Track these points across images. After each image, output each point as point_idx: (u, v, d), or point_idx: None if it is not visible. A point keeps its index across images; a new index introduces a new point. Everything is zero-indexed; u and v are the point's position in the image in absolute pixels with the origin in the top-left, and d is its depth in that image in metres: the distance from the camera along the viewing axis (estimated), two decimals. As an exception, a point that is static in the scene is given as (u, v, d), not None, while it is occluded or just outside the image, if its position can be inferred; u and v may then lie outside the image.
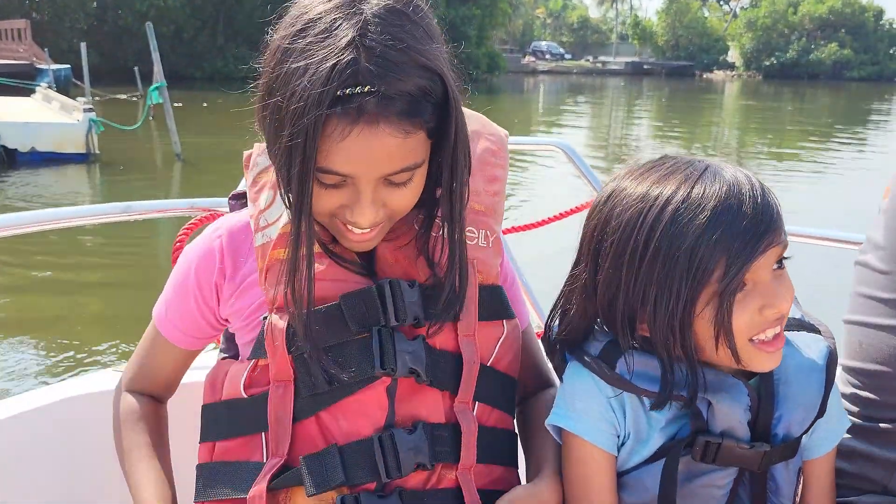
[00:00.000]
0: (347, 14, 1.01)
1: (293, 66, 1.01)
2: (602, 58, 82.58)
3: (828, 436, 1.16)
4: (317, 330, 1.12)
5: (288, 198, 1.08)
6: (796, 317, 1.16)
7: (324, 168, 1.03)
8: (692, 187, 1.01)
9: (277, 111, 1.03)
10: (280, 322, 1.15)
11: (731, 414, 1.06)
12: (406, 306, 1.14)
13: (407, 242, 1.19)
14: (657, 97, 46.44)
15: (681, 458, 1.07)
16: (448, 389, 1.17)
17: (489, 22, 48.20)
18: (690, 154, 1.10)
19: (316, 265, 1.13)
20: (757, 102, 44.60)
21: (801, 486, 1.16)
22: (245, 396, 1.19)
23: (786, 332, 1.09)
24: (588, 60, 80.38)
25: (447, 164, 1.10)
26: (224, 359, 1.35)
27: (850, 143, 22.00)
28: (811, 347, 1.12)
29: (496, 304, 1.23)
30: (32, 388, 4.28)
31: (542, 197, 10.38)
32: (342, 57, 0.98)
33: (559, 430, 1.15)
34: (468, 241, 1.19)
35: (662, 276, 1.00)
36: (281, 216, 1.20)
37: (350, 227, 1.10)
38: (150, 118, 16.71)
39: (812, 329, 1.15)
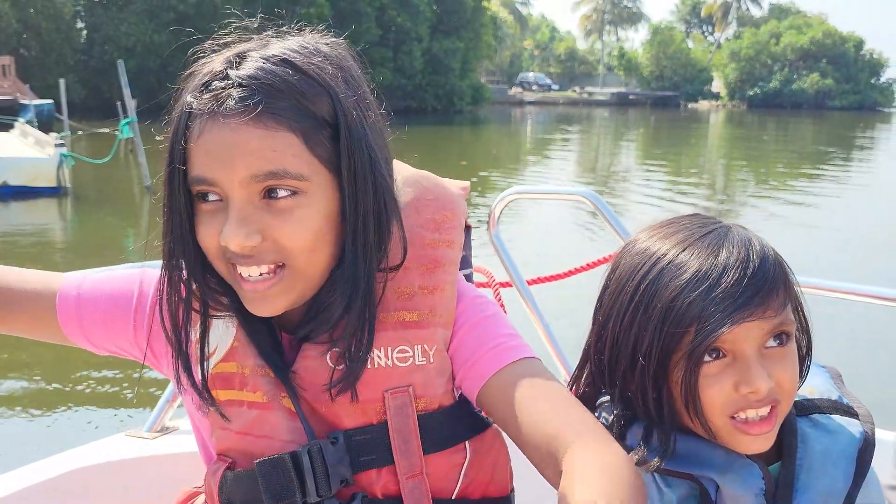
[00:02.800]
0: (260, 42, 1.03)
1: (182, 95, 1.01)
2: (589, 88, 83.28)
3: None
4: (240, 498, 1.08)
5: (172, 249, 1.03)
6: (832, 397, 1.09)
7: (192, 176, 0.98)
8: (686, 247, 0.99)
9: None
10: (217, 472, 1.12)
11: (741, 498, 1.00)
12: (330, 472, 1.05)
13: (326, 350, 1.08)
14: (644, 127, 46.81)
15: None
16: None
17: (473, 55, 48.64)
18: (713, 215, 1.07)
19: (243, 413, 1.08)
20: (742, 132, 44.99)
21: None
22: None
23: (817, 415, 1.06)
24: (575, 91, 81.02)
25: (349, 201, 1.01)
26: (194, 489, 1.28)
27: (836, 175, 22.16)
28: (843, 433, 1.05)
29: (450, 427, 1.11)
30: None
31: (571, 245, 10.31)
32: (216, 65, 0.99)
33: None
34: (400, 364, 1.08)
35: (640, 330, 0.99)
36: (215, 350, 1.12)
37: (239, 268, 1.00)
38: (130, 152, 17.04)
39: (849, 412, 1.07)
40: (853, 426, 1.05)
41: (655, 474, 1.01)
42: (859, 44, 74.96)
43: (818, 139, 39.02)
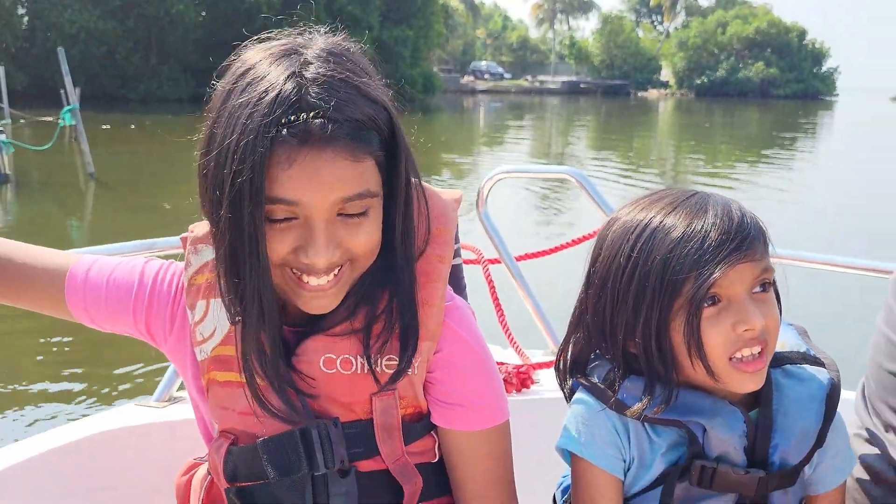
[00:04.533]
0: (288, 54, 1.04)
1: (235, 102, 1.01)
2: (541, 77, 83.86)
3: (833, 472, 1.17)
4: (246, 471, 1.16)
5: (229, 279, 1.06)
6: (801, 350, 1.19)
7: (272, 197, 1.00)
8: (672, 210, 1.09)
9: (220, 154, 1.01)
10: (221, 448, 1.18)
11: (726, 440, 1.09)
12: (334, 449, 1.13)
13: (342, 334, 1.14)
14: (595, 115, 47.34)
15: (680, 484, 1.11)
16: None
17: (424, 43, 48.50)
18: (686, 187, 1.17)
19: (243, 395, 1.13)
20: (691, 119, 45.81)
21: None
22: None
23: (789, 366, 1.16)
24: (527, 80, 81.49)
25: (399, 200, 1.09)
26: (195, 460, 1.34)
27: (779, 159, 22.75)
28: (813, 380, 1.15)
29: (427, 423, 1.20)
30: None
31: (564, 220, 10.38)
32: (285, 87, 1.00)
33: (569, 454, 1.18)
34: (388, 371, 1.14)
35: (640, 290, 1.07)
36: (214, 333, 1.18)
37: (305, 278, 1.06)
38: (73, 139, 16.77)
39: (816, 362, 1.18)
40: (821, 374, 1.15)
41: (645, 424, 1.11)
42: (802, 34, 76.81)
43: (764, 126, 39.97)
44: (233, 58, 1.08)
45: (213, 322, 1.17)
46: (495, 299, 2.35)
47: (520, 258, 2.39)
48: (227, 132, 1.01)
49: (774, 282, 1.10)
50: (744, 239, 1.04)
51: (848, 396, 1.30)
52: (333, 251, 1.04)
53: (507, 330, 2.28)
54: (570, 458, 1.18)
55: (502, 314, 2.32)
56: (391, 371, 1.14)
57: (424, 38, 48.37)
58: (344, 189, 1.01)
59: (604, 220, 2.27)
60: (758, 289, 1.07)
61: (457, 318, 1.20)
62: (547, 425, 1.27)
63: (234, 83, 1.04)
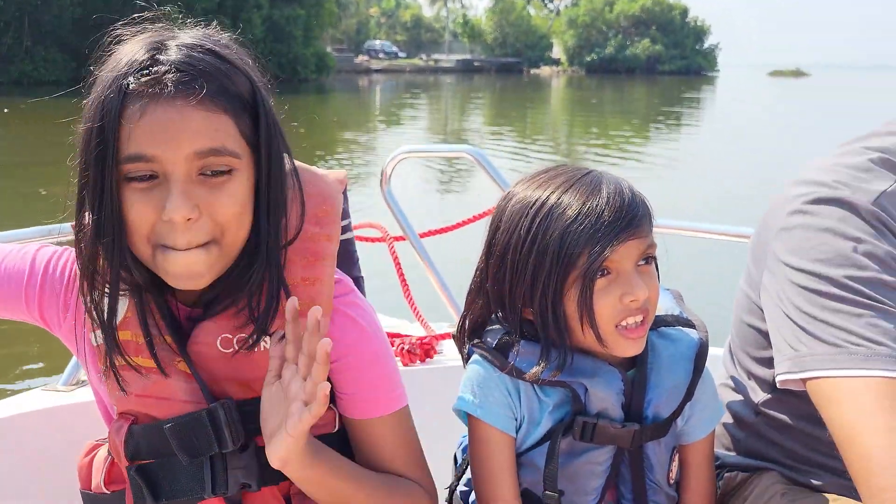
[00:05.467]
0: (156, 35, 1.08)
1: (101, 76, 1.05)
2: (435, 56, 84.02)
3: (702, 423, 1.27)
4: (147, 449, 1.18)
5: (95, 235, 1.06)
6: (675, 313, 1.29)
7: (129, 154, 1.02)
8: (568, 188, 1.16)
9: (84, 121, 1.05)
10: (122, 429, 1.20)
11: (605, 397, 1.19)
12: (238, 428, 1.15)
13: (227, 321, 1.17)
14: (490, 92, 47.87)
15: (565, 438, 1.20)
16: (285, 480, 1.19)
17: (316, 22, 47.68)
18: (579, 165, 1.24)
19: (140, 378, 1.16)
20: (582, 95, 46.97)
21: (675, 465, 1.27)
22: (107, 493, 1.26)
23: (663, 328, 1.25)
24: (421, 59, 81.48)
25: (263, 172, 1.10)
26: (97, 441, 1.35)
27: (666, 131, 23.68)
28: (683, 340, 1.25)
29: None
30: None
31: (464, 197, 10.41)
32: (142, 51, 1.04)
33: (465, 415, 1.25)
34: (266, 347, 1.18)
35: (538, 263, 1.14)
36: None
37: (171, 248, 1.06)
38: None
39: (688, 324, 1.27)
40: (692, 334, 1.25)
41: (534, 385, 1.21)
42: (684, 11, 79.74)
43: (651, 101, 41.42)
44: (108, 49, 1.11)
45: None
46: (401, 275, 2.42)
47: (424, 235, 2.47)
48: (89, 101, 1.05)
49: (657, 261, 1.20)
50: (633, 217, 1.13)
51: (717, 353, 1.43)
52: (193, 209, 1.03)
53: (413, 304, 2.37)
54: (467, 418, 1.26)
55: (408, 289, 2.40)
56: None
57: (316, 17, 47.52)
58: (197, 141, 1.03)
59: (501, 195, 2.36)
60: (642, 262, 1.16)
61: (356, 310, 1.23)
62: (448, 392, 1.33)
63: (101, 68, 1.07)
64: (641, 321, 1.16)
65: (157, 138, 1.02)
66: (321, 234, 1.22)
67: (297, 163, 1.19)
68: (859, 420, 0.98)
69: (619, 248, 1.12)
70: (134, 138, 1.01)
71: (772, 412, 1.29)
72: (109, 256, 1.08)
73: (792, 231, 1.13)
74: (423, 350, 2.12)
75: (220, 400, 1.16)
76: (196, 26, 1.14)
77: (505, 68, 77.16)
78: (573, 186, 1.15)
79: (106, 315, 1.14)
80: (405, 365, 2.08)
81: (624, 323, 1.15)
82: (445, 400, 1.38)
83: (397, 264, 2.42)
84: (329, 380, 1.16)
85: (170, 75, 1.02)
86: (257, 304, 1.15)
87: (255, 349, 1.17)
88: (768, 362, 1.21)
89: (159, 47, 1.05)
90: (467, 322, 1.27)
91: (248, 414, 1.16)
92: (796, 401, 1.18)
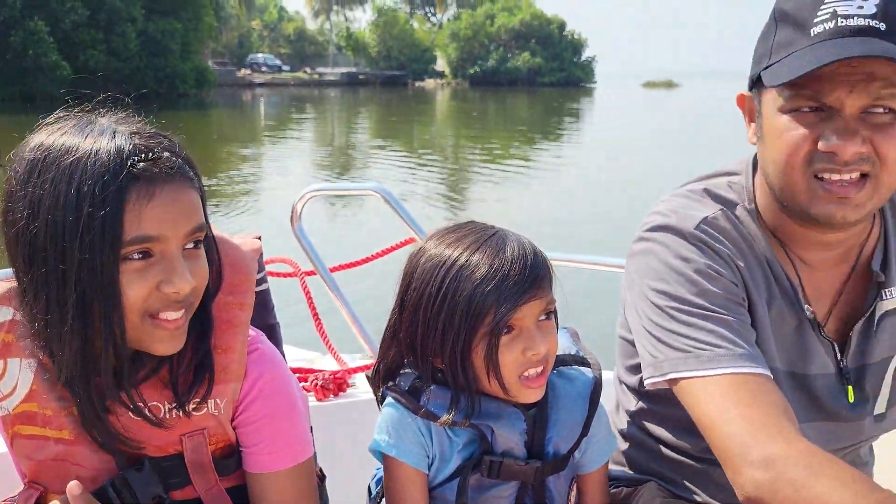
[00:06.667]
0: (83, 125, 1.10)
1: (60, 165, 1.05)
2: (319, 69, 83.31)
3: (597, 455, 1.37)
4: None
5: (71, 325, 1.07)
6: (571, 352, 1.38)
7: (133, 237, 1.05)
8: (476, 249, 1.24)
9: (56, 209, 1.04)
10: (30, 499, 1.23)
11: (510, 437, 1.28)
12: (138, 493, 1.20)
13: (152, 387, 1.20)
14: (375, 105, 47.92)
15: (473, 475, 1.29)
16: None
17: (194, 36, 46.42)
18: (486, 223, 1.34)
19: (52, 445, 1.19)
20: (466, 107, 47.70)
21: (574, 493, 1.37)
22: None
23: (562, 367, 1.34)
24: (306, 72, 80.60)
25: (214, 247, 1.19)
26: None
27: (548, 142, 24.43)
28: (580, 379, 1.34)
29: (238, 457, 1.29)
30: None
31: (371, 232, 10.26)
32: (112, 140, 1.07)
33: (381, 453, 1.33)
34: (196, 413, 1.22)
35: (448, 319, 1.22)
36: (14, 390, 1.21)
37: (164, 314, 1.10)
38: None
39: (584, 362, 1.37)
40: (587, 373, 1.36)
41: (445, 427, 1.29)
42: (562, 25, 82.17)
43: (533, 112, 42.58)
44: (21, 146, 1.12)
45: (13, 380, 1.21)
46: (313, 309, 2.52)
47: (334, 269, 2.58)
48: (60, 190, 1.04)
49: (556, 312, 1.29)
50: (535, 278, 1.23)
51: (608, 377, 1.59)
52: (191, 279, 1.10)
53: (326, 338, 2.46)
54: (382, 457, 1.34)
55: (320, 323, 2.50)
56: (198, 414, 1.22)
57: (194, 30, 46.22)
58: (194, 218, 1.11)
59: (407, 233, 2.48)
60: (543, 317, 1.25)
61: (262, 366, 1.27)
62: (362, 424, 1.39)
63: (40, 157, 1.07)
64: (541, 371, 1.26)
65: (163, 219, 1.07)
66: (234, 303, 1.26)
67: (214, 232, 1.24)
68: (716, 412, 1.14)
69: (523, 307, 1.21)
70: (141, 221, 1.05)
71: (646, 422, 1.46)
72: (106, 333, 1.09)
73: (638, 255, 1.32)
74: (337, 384, 2.20)
75: (137, 462, 1.22)
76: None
77: (390, 81, 77.44)
78: (481, 248, 1.24)
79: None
80: (319, 400, 2.15)
81: (526, 374, 1.24)
82: (359, 432, 1.45)
83: (309, 299, 2.52)
84: (235, 434, 1.26)
85: (165, 154, 1.08)
86: (178, 371, 1.19)
87: (176, 414, 1.21)
88: (636, 369, 1.37)
89: (113, 130, 1.09)
90: (381, 367, 1.36)
91: (166, 470, 1.23)
92: (663, 408, 1.34)
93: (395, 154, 21.33)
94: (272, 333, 1.51)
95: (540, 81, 77.53)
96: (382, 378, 1.36)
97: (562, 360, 1.36)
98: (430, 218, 12.06)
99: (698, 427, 1.18)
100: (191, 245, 1.13)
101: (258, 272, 1.43)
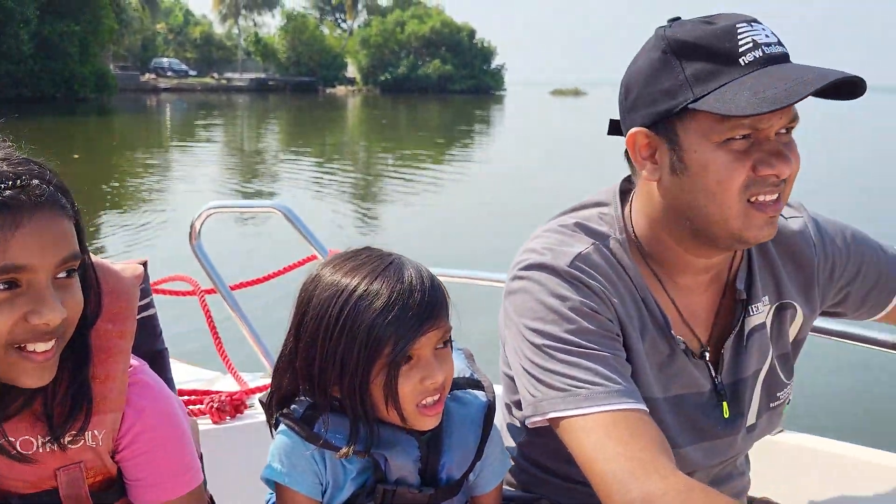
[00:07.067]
0: None
1: None
2: (228, 74, 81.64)
3: (490, 477, 1.38)
4: None
5: None
6: (466, 375, 1.37)
7: (2, 266, 1.02)
8: (375, 279, 1.22)
9: None
10: None
11: (403, 465, 1.28)
12: None
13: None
14: (286, 112, 47.34)
15: (367, 503, 1.28)
16: None
17: (94, 39, 44.79)
18: (383, 249, 1.32)
19: None
20: (378, 113, 47.65)
21: None
22: None
23: (456, 390, 1.33)
24: (213, 77, 78.86)
25: (88, 275, 1.15)
26: None
27: (458, 150, 24.65)
28: (473, 403, 1.34)
29: (119, 488, 1.27)
30: None
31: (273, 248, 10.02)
32: None
33: (273, 482, 1.31)
34: (72, 446, 1.19)
35: (347, 351, 1.20)
36: None
37: (32, 346, 1.07)
38: None
39: (478, 385, 1.36)
40: (480, 396, 1.35)
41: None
42: (472, 33, 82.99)
43: (444, 119, 42.87)
44: None
45: None
46: (212, 328, 2.50)
47: (235, 287, 2.56)
48: None
49: (451, 337, 1.29)
50: (433, 309, 1.23)
51: (499, 393, 1.61)
52: (62, 309, 1.06)
53: (226, 357, 2.44)
54: (275, 485, 1.32)
55: (220, 342, 2.48)
56: (74, 446, 1.18)
57: (94, 33, 44.56)
58: (65, 247, 1.07)
59: (310, 250, 2.47)
60: (440, 345, 1.25)
61: (148, 396, 1.25)
62: (258, 447, 1.38)
63: None
64: (438, 398, 1.26)
65: (30, 248, 1.04)
66: (114, 331, 1.24)
67: (93, 258, 1.22)
68: (594, 450, 1.16)
69: (422, 338, 1.21)
70: (7, 250, 1.02)
71: (534, 452, 1.49)
72: None
73: (515, 294, 1.33)
74: (234, 406, 2.18)
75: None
76: None
77: (300, 87, 76.54)
78: (379, 277, 1.23)
79: None
80: (215, 423, 2.12)
81: (424, 402, 1.25)
82: (255, 455, 1.44)
83: (209, 318, 2.50)
84: (117, 466, 1.23)
85: (34, 181, 1.05)
86: (53, 403, 1.15)
87: (50, 448, 1.17)
88: (520, 405, 1.38)
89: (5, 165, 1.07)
90: (275, 396, 1.34)
91: None
92: (550, 440, 1.34)
93: (305, 162, 21.13)
94: (159, 359, 1.49)
95: (451, 89, 78.11)
96: (276, 405, 1.35)
97: (456, 384, 1.35)
98: (342, 227, 12.03)
99: (578, 463, 1.20)
100: (63, 275, 1.09)
101: (143, 297, 1.40)
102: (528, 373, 1.27)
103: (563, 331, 1.24)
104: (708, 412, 1.37)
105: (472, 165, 20.52)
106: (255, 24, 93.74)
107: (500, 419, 1.59)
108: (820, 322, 1.82)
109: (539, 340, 1.26)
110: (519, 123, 42.11)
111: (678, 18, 1.27)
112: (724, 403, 1.38)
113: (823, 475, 1.87)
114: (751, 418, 1.42)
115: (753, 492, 1.64)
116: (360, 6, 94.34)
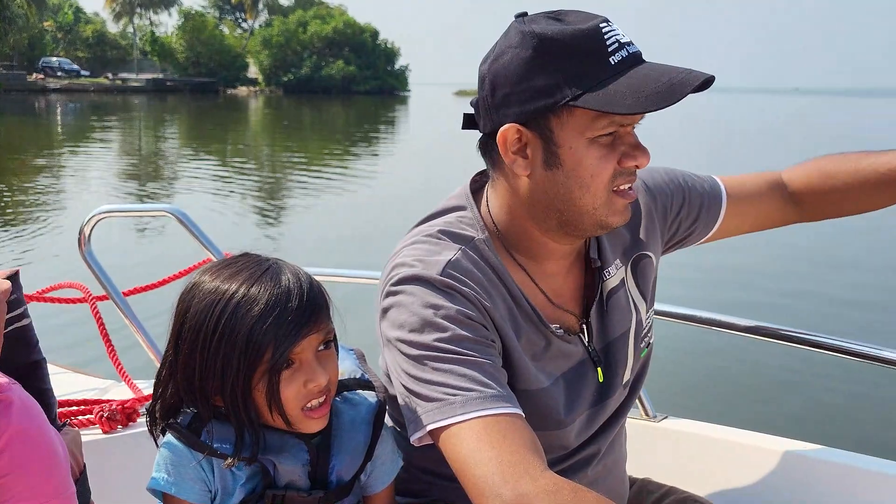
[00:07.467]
0: None
1: None
2: (123, 74, 78.92)
3: (382, 477, 1.38)
4: None
5: None
6: (356, 375, 1.37)
7: None
8: (252, 285, 1.20)
9: None
10: None
11: (292, 470, 1.27)
12: None
13: None
14: (185, 113, 46.09)
15: None
16: None
17: (-27, 37, 42.46)
18: (262, 255, 1.30)
19: None
20: (281, 115, 46.95)
21: None
22: None
23: (346, 392, 1.33)
24: (108, 77, 75.96)
25: None
26: None
27: (361, 150, 24.57)
28: (363, 404, 1.34)
29: None
30: None
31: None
32: None
33: (160, 493, 1.28)
34: None
35: (226, 357, 1.19)
36: None
37: None
38: None
39: (369, 385, 1.36)
40: (371, 396, 1.35)
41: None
42: (375, 34, 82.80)
43: (349, 120, 42.64)
44: None
45: None
46: (104, 335, 2.43)
47: (128, 293, 2.50)
48: None
49: (335, 336, 1.29)
50: (313, 312, 1.22)
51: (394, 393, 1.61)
52: None
53: (119, 365, 2.38)
54: (162, 495, 1.29)
55: (112, 349, 2.41)
56: None
57: (-26, 30, 42.38)
58: None
59: (206, 255, 2.43)
60: (322, 347, 1.25)
61: (15, 414, 1.21)
62: (150, 456, 1.35)
63: None
64: (324, 400, 1.26)
65: None
66: None
67: None
68: (467, 455, 1.16)
69: (302, 341, 1.21)
70: None
71: (424, 461, 1.49)
72: None
73: (389, 310, 1.32)
74: (125, 415, 2.12)
75: None
76: None
77: (200, 88, 74.62)
78: (257, 282, 1.22)
79: None
80: (105, 432, 2.07)
81: (309, 405, 1.24)
82: (149, 464, 1.42)
83: (101, 325, 2.43)
84: None
85: None
86: None
87: None
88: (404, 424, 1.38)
89: None
90: (158, 408, 1.31)
91: None
92: (437, 451, 1.32)
93: (207, 164, 20.64)
94: (37, 370, 1.45)
95: (355, 89, 77.75)
96: (161, 415, 1.32)
97: (346, 385, 1.36)
98: (243, 228, 11.81)
99: (454, 471, 1.21)
100: None
101: (16, 308, 1.37)
102: (406, 388, 1.27)
103: (438, 339, 1.25)
104: (587, 382, 1.43)
105: (376, 166, 20.52)
106: (151, 23, 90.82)
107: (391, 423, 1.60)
108: (685, 310, 1.95)
109: (414, 352, 1.26)
110: (422, 123, 42.28)
111: (525, 13, 1.31)
112: (599, 369, 1.44)
113: (703, 457, 1.97)
114: (626, 375, 1.49)
115: (637, 474, 1.73)
116: (260, 6, 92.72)
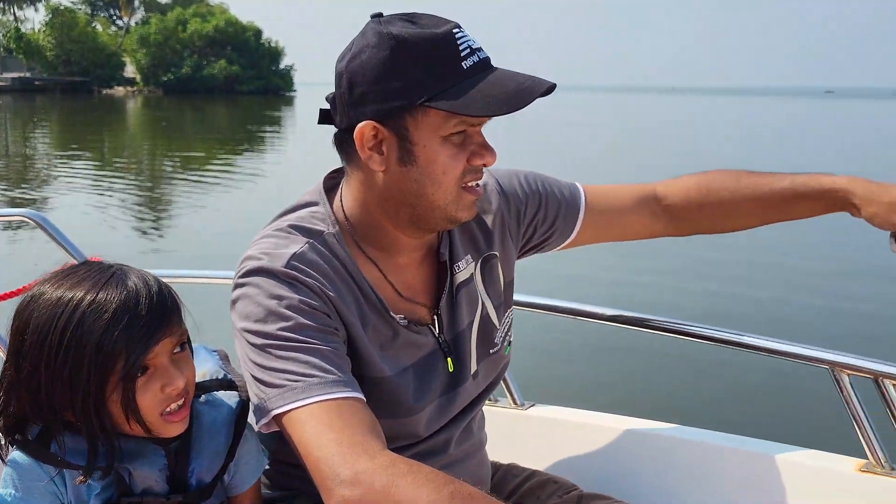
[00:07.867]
0: None
1: None
2: (-15, 73, 74.37)
3: (246, 476, 1.36)
4: None
5: None
6: (218, 377, 1.35)
7: None
8: (98, 292, 1.16)
9: None
10: None
11: (148, 476, 1.24)
12: None
13: None
14: (56, 114, 43.88)
15: None
16: None
17: None
18: (105, 262, 1.26)
19: None
20: (161, 115, 45.39)
21: None
22: None
23: (206, 393, 1.31)
24: (-33, 76, 71.52)
25: None
26: None
27: (245, 150, 24.08)
28: (225, 405, 1.32)
29: None
30: None
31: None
32: None
33: None
34: None
35: (75, 369, 1.14)
36: None
37: None
38: None
39: (231, 386, 1.35)
40: (233, 397, 1.34)
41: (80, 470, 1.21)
42: (258, 33, 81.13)
43: (233, 120, 41.68)
44: None
45: None
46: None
47: None
48: None
49: (189, 339, 1.27)
50: (164, 316, 1.20)
51: None
52: None
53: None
54: None
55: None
56: None
57: None
58: None
59: (68, 259, 2.33)
60: (177, 350, 1.23)
61: None
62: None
63: None
64: (182, 403, 1.24)
65: None
66: None
67: None
68: (308, 439, 1.19)
69: (155, 347, 1.18)
70: None
71: (282, 454, 1.49)
72: None
73: (237, 302, 1.34)
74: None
75: None
76: None
77: (72, 87, 71.34)
78: (101, 290, 1.18)
79: None
80: None
81: (168, 409, 1.22)
82: None
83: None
84: None
85: None
86: None
87: None
88: None
89: None
90: (1, 424, 1.25)
91: None
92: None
93: (81, 166, 19.73)
94: None
95: (238, 89, 75.99)
96: (5, 432, 1.25)
97: (206, 387, 1.34)
98: (120, 231, 11.39)
99: (299, 456, 1.23)
100: None
101: None
102: (253, 376, 1.28)
103: (280, 328, 1.27)
104: (437, 371, 1.48)
105: (262, 165, 20.17)
106: (15, 19, 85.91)
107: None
108: (544, 300, 2.02)
109: (258, 341, 1.28)
110: (308, 122, 41.81)
111: (381, 14, 1.36)
112: (449, 359, 1.49)
113: (567, 441, 2.04)
114: (472, 366, 1.53)
115: (503, 460, 1.77)
116: (136, 3, 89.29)
